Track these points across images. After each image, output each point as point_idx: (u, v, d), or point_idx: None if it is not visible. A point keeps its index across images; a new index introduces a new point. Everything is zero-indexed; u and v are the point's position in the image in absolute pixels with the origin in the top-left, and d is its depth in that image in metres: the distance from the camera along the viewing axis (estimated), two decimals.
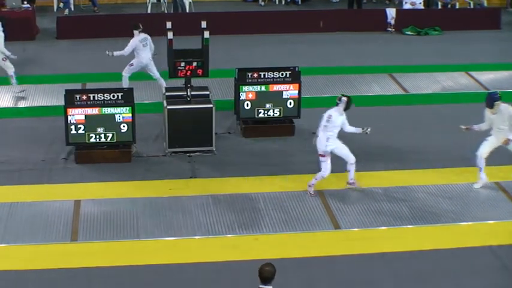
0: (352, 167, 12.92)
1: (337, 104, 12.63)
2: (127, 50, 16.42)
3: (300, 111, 15.05)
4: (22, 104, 16.76)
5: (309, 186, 12.93)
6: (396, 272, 10.93)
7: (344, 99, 12.63)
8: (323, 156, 12.67)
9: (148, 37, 16.57)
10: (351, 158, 12.84)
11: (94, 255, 11.17)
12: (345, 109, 12.63)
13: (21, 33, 19.74)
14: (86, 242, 11.52)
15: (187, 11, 23.49)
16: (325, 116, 12.57)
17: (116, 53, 16.47)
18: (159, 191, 12.99)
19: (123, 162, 13.97)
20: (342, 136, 12.83)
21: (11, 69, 16.89)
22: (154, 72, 16.73)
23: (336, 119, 12.53)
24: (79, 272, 10.76)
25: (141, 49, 16.43)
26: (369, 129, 12.83)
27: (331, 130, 12.56)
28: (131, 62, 16.58)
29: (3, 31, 16.90)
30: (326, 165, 12.70)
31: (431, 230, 12.00)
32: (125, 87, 15.79)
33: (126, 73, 16.62)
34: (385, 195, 12.98)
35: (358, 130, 12.85)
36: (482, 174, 13.14)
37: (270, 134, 15.09)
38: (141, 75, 16.91)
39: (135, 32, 16.45)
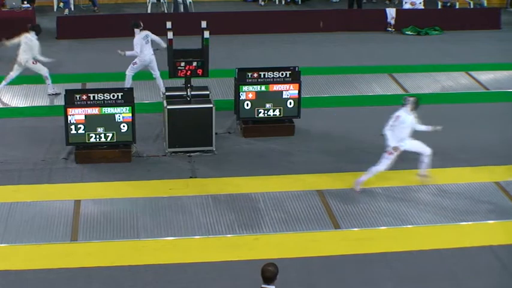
0: (427, 159, 13.00)
1: (404, 105, 12.77)
2: (136, 49, 16.37)
3: (300, 111, 15.03)
4: (22, 104, 16.77)
5: (357, 184, 12.93)
6: (396, 272, 10.92)
7: (411, 99, 12.81)
8: (391, 153, 12.73)
9: (150, 33, 16.56)
10: (426, 150, 12.96)
11: (94, 255, 11.15)
12: (413, 109, 12.78)
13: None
14: (86, 242, 11.51)
15: (189, 10, 23.49)
16: (393, 116, 12.69)
17: (128, 53, 16.42)
18: (159, 191, 12.98)
19: (123, 162, 13.96)
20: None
21: (44, 71, 16.87)
22: (156, 70, 16.69)
23: (405, 119, 12.68)
24: (79, 272, 10.75)
25: (144, 46, 16.41)
26: (438, 127, 13.00)
27: (402, 131, 12.69)
28: (134, 61, 16.53)
29: (37, 39, 16.91)
30: (387, 162, 12.78)
31: (431, 230, 11.98)
32: (127, 86, 15.78)
33: (129, 72, 16.58)
34: (385, 195, 12.98)
35: (429, 128, 13.03)
36: None
37: (270, 134, 15.08)
38: (141, 75, 16.89)
39: (136, 30, 16.43)
